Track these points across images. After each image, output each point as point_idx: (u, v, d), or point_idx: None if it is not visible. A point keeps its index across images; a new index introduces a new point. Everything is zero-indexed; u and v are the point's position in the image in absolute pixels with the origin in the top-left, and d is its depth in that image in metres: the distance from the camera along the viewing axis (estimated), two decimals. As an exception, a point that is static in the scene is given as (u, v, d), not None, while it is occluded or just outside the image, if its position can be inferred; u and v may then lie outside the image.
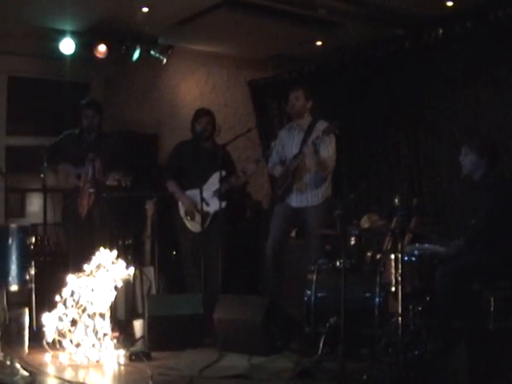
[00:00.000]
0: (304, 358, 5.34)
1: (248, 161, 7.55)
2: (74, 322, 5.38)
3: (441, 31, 7.13)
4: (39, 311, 5.68)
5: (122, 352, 5.45)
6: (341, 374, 4.69)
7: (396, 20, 7.63)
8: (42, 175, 6.56)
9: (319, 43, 8.55)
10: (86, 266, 5.50)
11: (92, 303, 5.39)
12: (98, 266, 5.49)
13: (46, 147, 6.71)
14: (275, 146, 6.86)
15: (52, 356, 5.38)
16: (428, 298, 5.26)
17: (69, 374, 5.02)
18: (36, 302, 5.93)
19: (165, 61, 8.49)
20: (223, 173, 6.49)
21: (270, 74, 9.50)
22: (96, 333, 5.38)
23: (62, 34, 7.71)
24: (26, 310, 5.39)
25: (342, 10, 7.38)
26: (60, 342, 5.38)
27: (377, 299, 5.49)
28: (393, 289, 5.24)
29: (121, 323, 6.28)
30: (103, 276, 5.46)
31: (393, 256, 5.23)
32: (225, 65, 9.44)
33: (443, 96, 7.43)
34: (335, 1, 7.19)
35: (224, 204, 6.57)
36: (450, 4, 7.04)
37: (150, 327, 5.84)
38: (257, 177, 8.22)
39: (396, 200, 5.21)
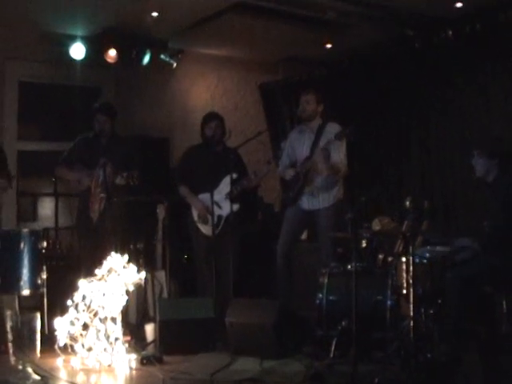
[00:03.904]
0: (316, 361, 5.31)
1: (259, 163, 7.54)
2: (85, 327, 5.38)
3: (450, 32, 7.12)
4: (51, 315, 5.70)
5: (133, 356, 5.45)
6: (353, 378, 4.67)
7: (405, 21, 7.61)
8: (54, 179, 6.59)
9: (329, 45, 8.54)
10: (97, 271, 5.51)
11: (103, 307, 5.38)
12: (110, 271, 5.49)
13: (61, 159, 6.75)
14: (285, 149, 6.84)
15: (64, 360, 5.38)
16: (440, 301, 5.24)
17: (80, 379, 5.03)
18: (48, 307, 5.94)
19: (175, 65, 8.49)
20: (235, 175, 6.50)
21: (280, 76, 9.49)
22: (108, 337, 5.37)
23: (72, 39, 7.74)
24: (38, 315, 5.38)
25: (351, 12, 7.37)
26: (72, 346, 5.38)
27: (388, 302, 5.47)
28: (404, 291, 5.23)
29: (132, 327, 6.29)
30: (115, 280, 5.46)
31: (404, 259, 5.22)
32: (235, 68, 9.44)
33: (453, 97, 7.41)
34: (344, 3, 7.18)
35: (236, 207, 6.56)
36: (459, 5, 7.03)
37: (161, 331, 5.83)
38: (268, 180, 8.20)
39: (407, 203, 5.18)
